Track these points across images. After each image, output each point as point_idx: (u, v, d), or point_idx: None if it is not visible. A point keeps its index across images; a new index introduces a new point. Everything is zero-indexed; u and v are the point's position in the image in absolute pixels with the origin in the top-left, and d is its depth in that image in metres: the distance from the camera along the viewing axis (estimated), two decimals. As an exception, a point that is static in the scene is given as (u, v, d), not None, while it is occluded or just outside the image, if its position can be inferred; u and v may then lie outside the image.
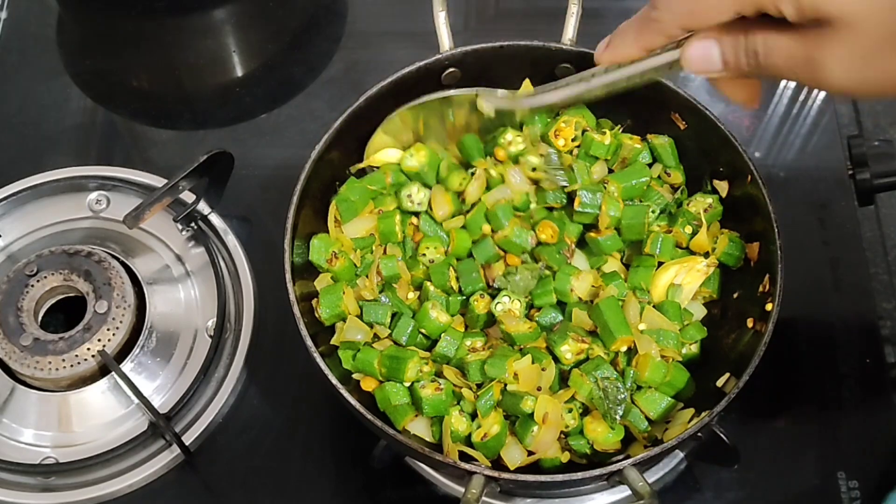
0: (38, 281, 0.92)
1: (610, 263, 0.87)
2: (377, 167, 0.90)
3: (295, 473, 0.89)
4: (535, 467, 0.79)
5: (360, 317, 0.85)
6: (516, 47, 0.90)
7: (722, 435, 0.80)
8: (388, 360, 0.82)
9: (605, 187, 0.87)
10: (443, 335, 0.83)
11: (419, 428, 0.81)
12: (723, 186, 0.87)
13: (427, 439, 0.80)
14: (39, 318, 0.92)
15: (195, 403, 0.91)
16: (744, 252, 0.85)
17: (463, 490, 0.72)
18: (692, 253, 0.87)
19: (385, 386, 0.81)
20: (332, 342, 0.82)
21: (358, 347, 0.83)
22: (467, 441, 0.80)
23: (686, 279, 0.86)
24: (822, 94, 1.09)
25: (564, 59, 0.90)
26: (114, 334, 0.90)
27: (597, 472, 0.73)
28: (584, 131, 0.92)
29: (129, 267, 0.94)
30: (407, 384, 0.82)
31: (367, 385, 0.82)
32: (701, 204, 0.87)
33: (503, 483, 0.74)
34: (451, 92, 0.87)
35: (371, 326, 0.84)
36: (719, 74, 0.65)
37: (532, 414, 0.79)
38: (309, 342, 0.78)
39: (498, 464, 0.79)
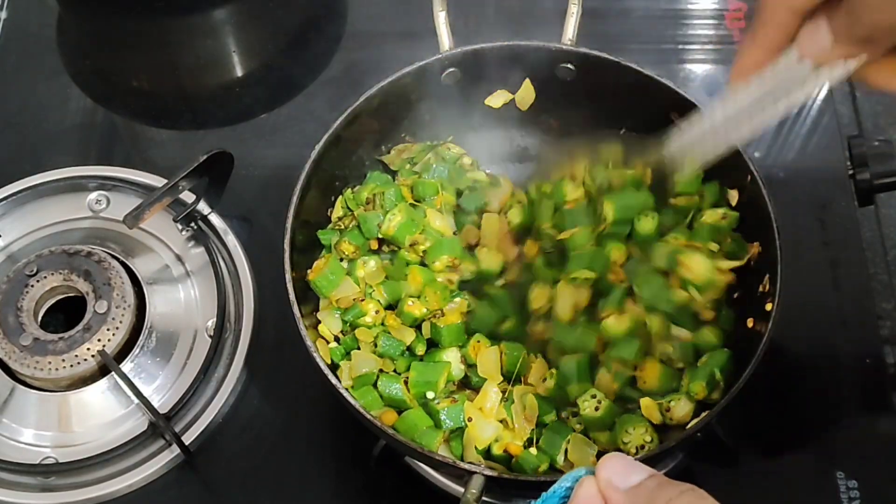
0: (38, 281, 0.92)
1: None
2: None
3: (295, 473, 0.89)
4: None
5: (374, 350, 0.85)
6: (516, 47, 0.90)
7: (721, 435, 0.80)
8: (418, 371, 0.82)
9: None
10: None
11: (447, 451, 0.81)
12: (733, 195, 0.87)
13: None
14: (39, 318, 0.92)
15: (195, 403, 0.91)
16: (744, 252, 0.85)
17: (463, 490, 0.72)
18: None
19: (407, 415, 0.81)
20: (344, 386, 0.80)
21: (373, 381, 0.82)
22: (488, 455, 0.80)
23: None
24: (822, 94, 1.09)
25: (564, 59, 0.90)
26: (114, 334, 0.90)
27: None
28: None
29: (129, 267, 0.94)
30: (436, 396, 0.82)
31: (388, 419, 0.81)
32: (715, 215, 0.87)
33: (503, 483, 0.74)
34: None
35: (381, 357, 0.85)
36: (836, 55, 0.61)
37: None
38: (309, 342, 0.78)
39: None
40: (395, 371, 0.84)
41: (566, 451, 0.80)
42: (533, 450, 0.80)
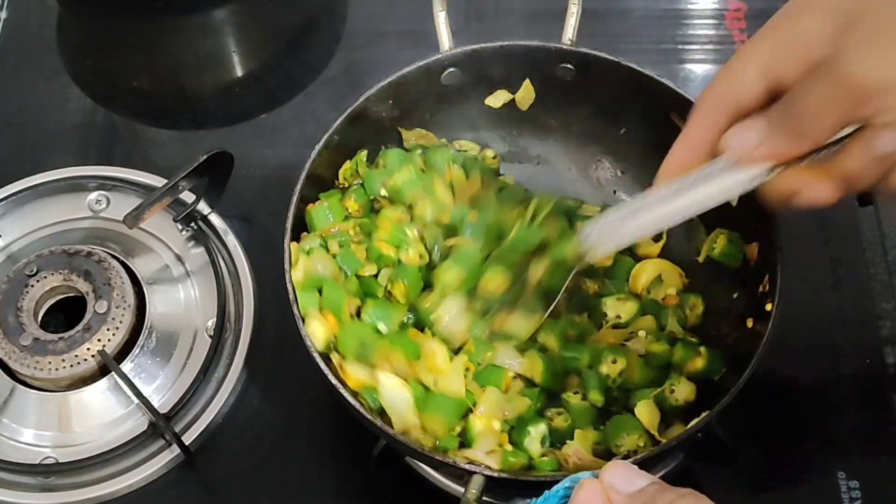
0: (38, 281, 0.92)
1: None
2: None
3: (295, 473, 0.89)
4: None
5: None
6: (516, 47, 0.90)
7: (721, 435, 0.80)
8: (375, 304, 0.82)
9: None
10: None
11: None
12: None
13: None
14: (39, 318, 0.92)
15: (195, 403, 0.91)
16: (743, 252, 0.85)
17: (463, 490, 0.72)
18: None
19: (346, 327, 0.80)
20: (294, 281, 0.79)
21: (321, 284, 0.81)
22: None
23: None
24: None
25: (564, 59, 0.90)
26: (114, 334, 0.90)
27: (597, 471, 0.73)
28: None
29: (129, 267, 0.94)
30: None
31: (329, 323, 0.80)
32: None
33: (503, 483, 0.74)
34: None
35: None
36: (762, 152, 0.63)
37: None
38: (309, 342, 0.78)
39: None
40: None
41: (542, 440, 0.80)
42: (507, 446, 0.79)
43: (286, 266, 0.80)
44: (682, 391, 0.81)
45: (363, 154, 0.91)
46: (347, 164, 0.90)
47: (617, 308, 0.87)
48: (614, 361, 0.83)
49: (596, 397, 0.82)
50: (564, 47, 0.89)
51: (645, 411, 0.80)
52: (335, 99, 1.08)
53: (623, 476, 0.60)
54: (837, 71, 0.58)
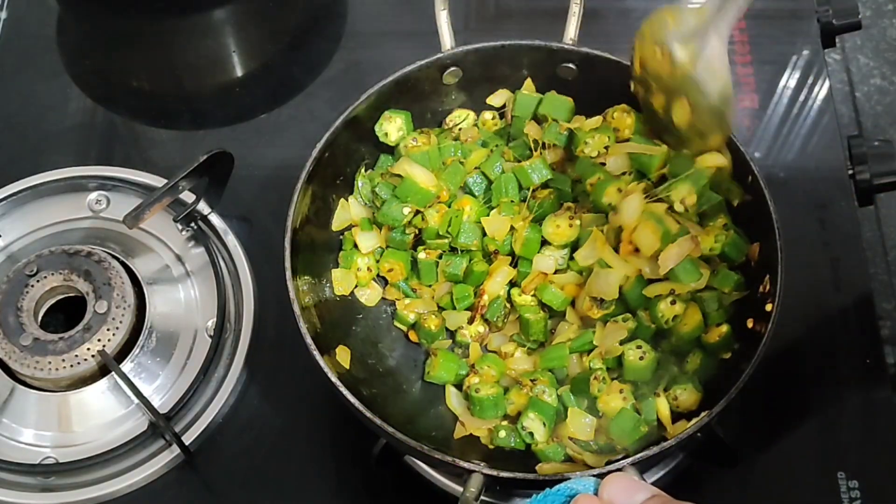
0: (38, 281, 0.92)
1: None
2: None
3: (295, 473, 0.89)
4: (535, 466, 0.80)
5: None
6: (518, 46, 0.90)
7: (721, 435, 0.80)
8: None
9: None
10: None
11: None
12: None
13: None
14: (39, 318, 0.92)
15: (195, 403, 0.91)
16: (746, 250, 0.85)
17: (462, 489, 0.72)
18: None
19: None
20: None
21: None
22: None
23: None
24: (823, 93, 1.09)
25: (566, 58, 0.90)
26: (114, 334, 0.90)
27: (596, 471, 0.73)
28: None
29: (129, 267, 0.94)
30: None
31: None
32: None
33: (503, 482, 0.74)
34: None
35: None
36: None
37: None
38: (309, 341, 0.78)
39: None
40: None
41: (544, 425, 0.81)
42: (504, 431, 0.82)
43: (286, 266, 0.81)
44: (686, 398, 0.81)
45: (362, 173, 0.92)
46: (363, 182, 0.92)
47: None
48: (673, 302, 0.83)
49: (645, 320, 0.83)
50: (566, 47, 0.89)
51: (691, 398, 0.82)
52: (335, 99, 1.08)
53: (623, 490, 0.59)
54: None
